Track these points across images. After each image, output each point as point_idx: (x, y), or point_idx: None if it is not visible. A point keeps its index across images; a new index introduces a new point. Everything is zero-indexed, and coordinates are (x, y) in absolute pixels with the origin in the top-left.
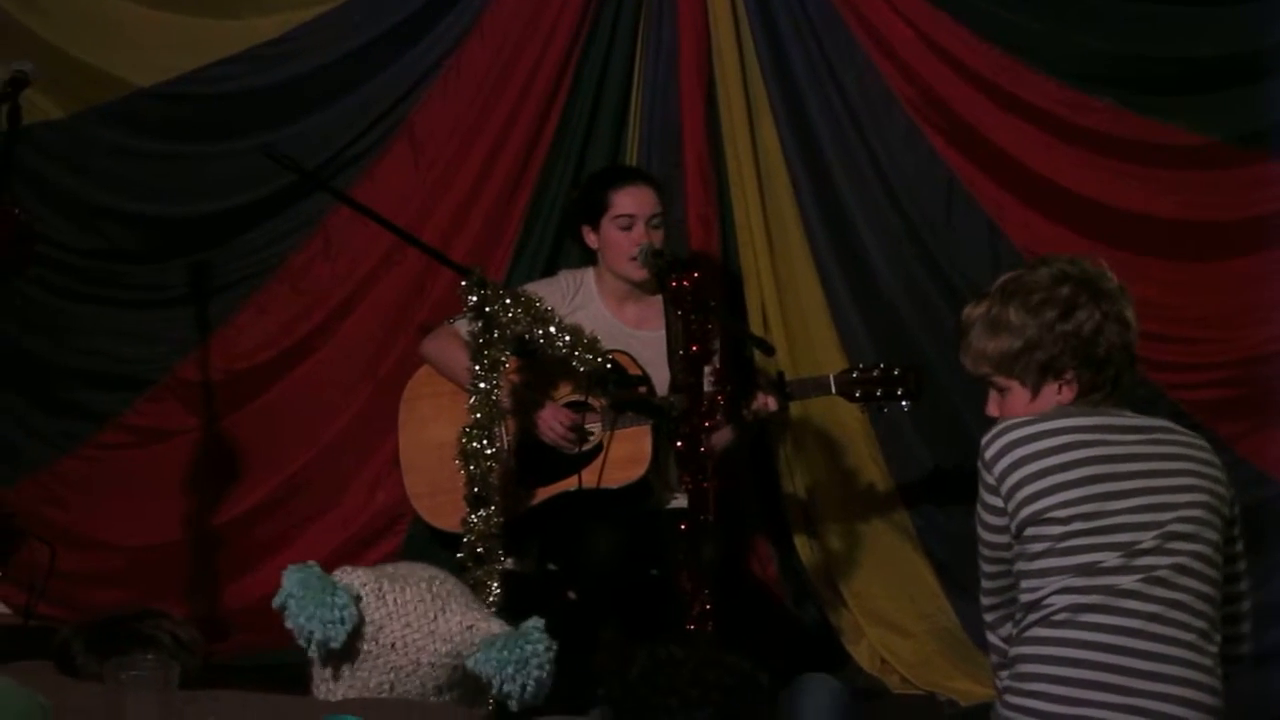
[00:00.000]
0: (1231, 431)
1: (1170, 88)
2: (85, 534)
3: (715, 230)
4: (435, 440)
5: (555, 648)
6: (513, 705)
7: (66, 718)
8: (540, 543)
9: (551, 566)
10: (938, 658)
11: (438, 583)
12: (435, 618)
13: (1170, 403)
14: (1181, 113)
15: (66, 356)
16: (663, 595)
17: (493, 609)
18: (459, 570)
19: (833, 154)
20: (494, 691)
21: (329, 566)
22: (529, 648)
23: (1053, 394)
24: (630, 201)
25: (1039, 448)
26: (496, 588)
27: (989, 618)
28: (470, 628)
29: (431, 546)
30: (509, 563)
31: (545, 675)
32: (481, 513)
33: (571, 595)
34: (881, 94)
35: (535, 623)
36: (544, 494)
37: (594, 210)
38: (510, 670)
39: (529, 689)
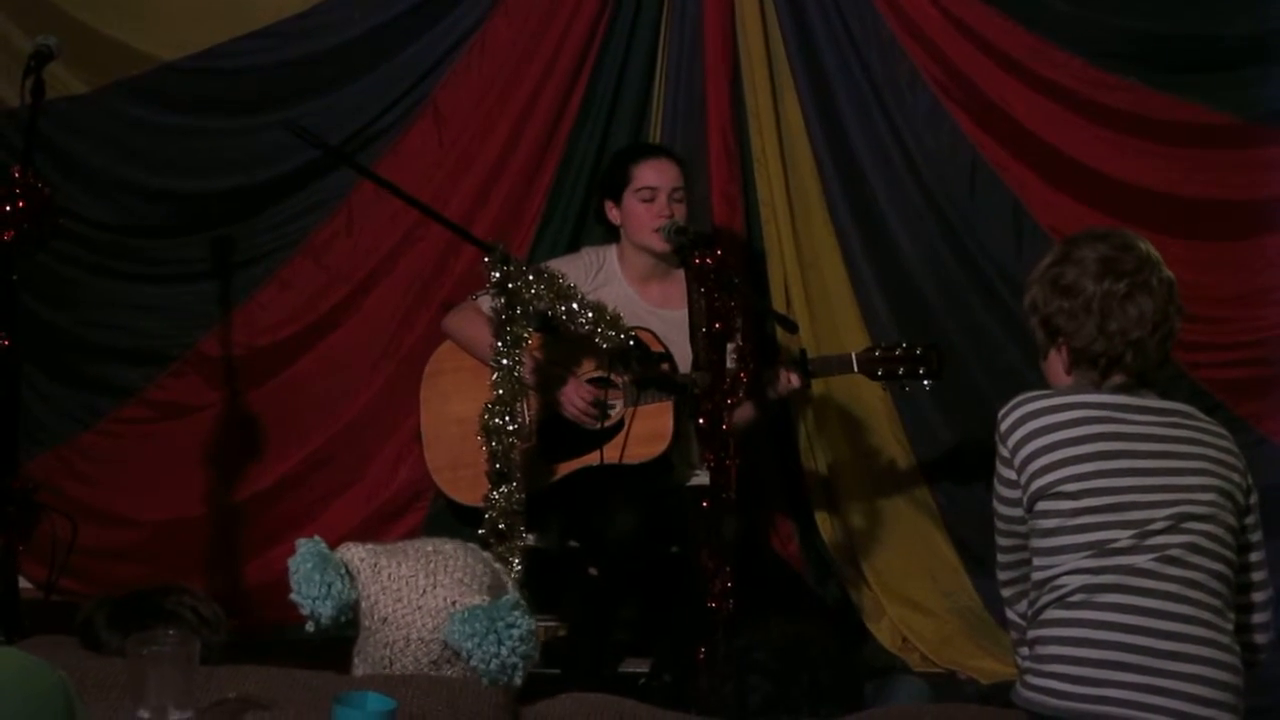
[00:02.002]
0: (1254, 410)
1: (1194, 67)
2: (107, 509)
3: (739, 207)
4: (456, 415)
5: (529, 625)
6: (485, 681)
7: (88, 693)
8: (562, 519)
9: (573, 543)
10: (959, 636)
11: (440, 558)
12: (424, 593)
13: (1192, 381)
14: (1205, 92)
15: (89, 331)
16: (683, 572)
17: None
18: (481, 546)
19: (857, 132)
20: (467, 665)
21: (353, 541)
22: (497, 622)
23: (1058, 359)
24: (652, 174)
25: (1052, 421)
26: (518, 564)
27: (1006, 593)
28: (454, 604)
29: (454, 522)
30: (531, 539)
31: (510, 651)
32: (503, 489)
33: (593, 572)
34: (906, 72)
35: (511, 598)
36: (565, 469)
37: (616, 184)
38: (473, 644)
39: (494, 664)
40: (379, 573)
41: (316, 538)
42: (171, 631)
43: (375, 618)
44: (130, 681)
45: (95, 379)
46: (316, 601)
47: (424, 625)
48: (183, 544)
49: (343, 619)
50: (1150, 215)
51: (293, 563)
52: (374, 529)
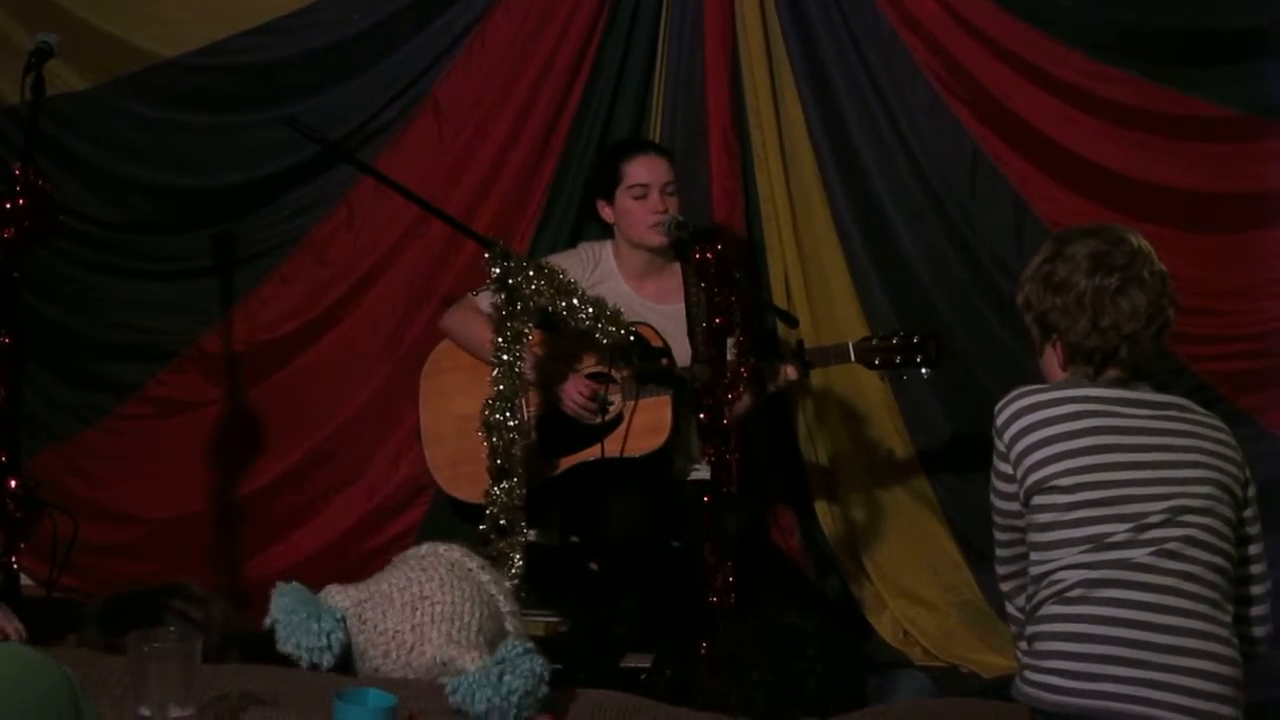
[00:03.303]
0: (1256, 403)
1: (1195, 60)
2: (108, 506)
3: (739, 202)
4: (456, 413)
5: (526, 669)
6: None
7: (90, 690)
8: (562, 514)
9: (574, 538)
10: (960, 630)
11: (426, 605)
12: (412, 649)
13: (1193, 375)
14: (1206, 85)
15: (90, 328)
16: (684, 567)
17: (514, 581)
18: (482, 543)
19: (857, 126)
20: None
21: (354, 536)
22: (496, 696)
23: (1054, 356)
24: (643, 170)
25: (1047, 415)
26: (519, 560)
27: (1005, 587)
28: (444, 664)
29: (454, 518)
30: (532, 534)
31: (519, 706)
32: (504, 485)
33: (594, 566)
34: (906, 66)
35: (501, 654)
36: (566, 464)
37: (608, 183)
38: (480, 712)
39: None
40: (364, 624)
41: (295, 583)
42: (173, 629)
43: (366, 666)
44: (131, 679)
45: (96, 376)
46: (315, 653)
47: (416, 677)
48: (184, 540)
49: (336, 664)
50: (1151, 208)
51: (281, 611)
52: (375, 524)
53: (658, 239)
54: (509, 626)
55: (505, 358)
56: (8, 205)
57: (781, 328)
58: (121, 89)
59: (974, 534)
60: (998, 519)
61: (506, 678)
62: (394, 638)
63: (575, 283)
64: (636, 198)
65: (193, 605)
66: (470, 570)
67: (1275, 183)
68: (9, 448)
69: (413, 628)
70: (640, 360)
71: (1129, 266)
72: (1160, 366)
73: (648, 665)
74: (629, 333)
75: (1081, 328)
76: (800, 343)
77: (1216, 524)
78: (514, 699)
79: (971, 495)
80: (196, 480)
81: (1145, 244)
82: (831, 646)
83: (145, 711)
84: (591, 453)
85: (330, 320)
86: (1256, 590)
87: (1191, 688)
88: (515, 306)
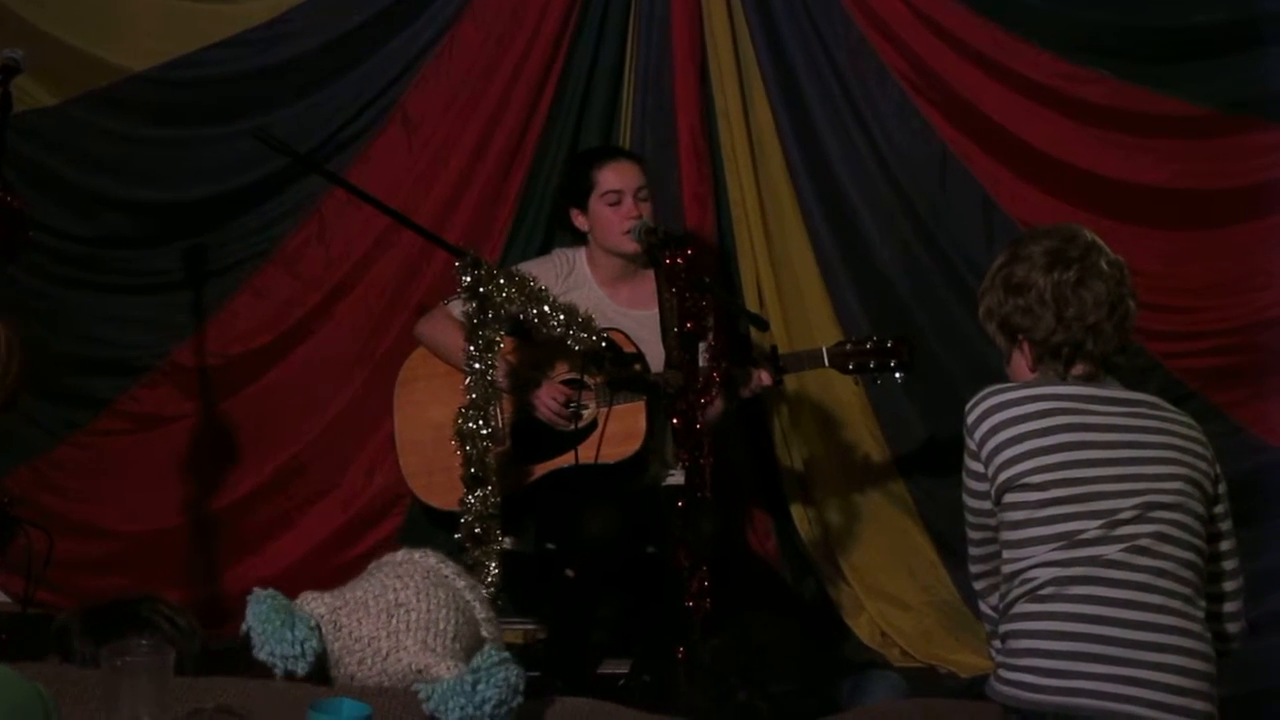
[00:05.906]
0: (1230, 398)
1: (1165, 58)
2: (83, 521)
3: (710, 207)
4: (430, 421)
5: (501, 678)
6: None
7: (63, 704)
8: (538, 522)
9: (549, 545)
10: (937, 630)
11: (401, 612)
12: (387, 655)
13: (1166, 372)
14: (1177, 83)
15: (62, 343)
16: (660, 572)
17: (491, 589)
18: (458, 551)
19: (826, 129)
20: None
21: (331, 547)
22: (469, 707)
23: (1021, 359)
24: (616, 177)
25: (1017, 413)
26: (495, 568)
27: (978, 586)
28: (419, 671)
29: (430, 526)
30: (507, 542)
31: (492, 716)
32: (479, 493)
33: (569, 573)
34: (875, 68)
35: (477, 663)
36: (541, 471)
37: (580, 191)
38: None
39: None
40: (339, 630)
41: (273, 590)
42: (145, 641)
43: (342, 673)
44: (104, 692)
45: (69, 391)
46: (289, 660)
47: (391, 685)
48: (160, 554)
49: (312, 670)
50: (1122, 206)
51: (255, 619)
52: (352, 534)
53: (632, 246)
54: (485, 634)
55: (477, 366)
56: None
57: (755, 333)
58: (90, 104)
59: (950, 534)
60: (970, 518)
61: (480, 687)
62: (369, 644)
63: (546, 290)
64: (610, 204)
65: (176, 612)
66: (446, 577)
67: (1246, 179)
68: None
69: (388, 634)
70: (612, 366)
71: (1085, 258)
72: (1126, 361)
73: (625, 671)
74: (601, 339)
75: (1046, 324)
76: (774, 348)
77: (1187, 519)
78: (487, 709)
79: (947, 495)
80: (172, 494)
81: (1098, 238)
82: (808, 658)
83: None
84: (566, 459)
85: (303, 332)
86: (1229, 586)
87: (1165, 683)
88: (486, 315)
